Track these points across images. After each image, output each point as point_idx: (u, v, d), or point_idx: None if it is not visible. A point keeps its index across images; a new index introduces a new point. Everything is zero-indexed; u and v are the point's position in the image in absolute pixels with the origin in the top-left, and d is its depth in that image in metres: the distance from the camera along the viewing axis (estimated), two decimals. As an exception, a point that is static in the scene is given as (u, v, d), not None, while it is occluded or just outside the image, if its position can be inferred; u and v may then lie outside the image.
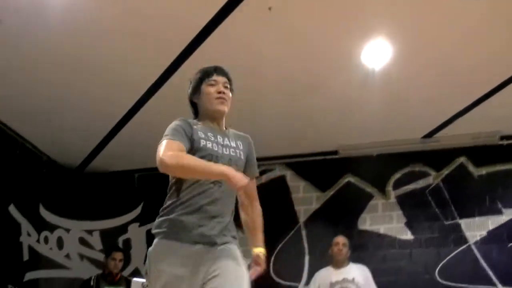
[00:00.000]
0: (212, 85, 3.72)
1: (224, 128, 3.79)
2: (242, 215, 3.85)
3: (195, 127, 3.63)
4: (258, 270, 3.68)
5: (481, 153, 8.52)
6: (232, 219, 3.63)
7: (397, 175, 8.77)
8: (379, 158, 8.80)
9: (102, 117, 7.85)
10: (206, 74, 3.77)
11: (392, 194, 8.72)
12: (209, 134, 3.62)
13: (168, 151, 3.54)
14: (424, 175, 8.69)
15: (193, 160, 3.44)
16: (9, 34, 6.12)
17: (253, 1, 5.64)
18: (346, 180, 8.90)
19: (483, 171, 8.51)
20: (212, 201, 3.51)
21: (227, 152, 3.62)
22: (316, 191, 8.97)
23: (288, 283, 8.54)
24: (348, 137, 8.58)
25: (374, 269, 7.65)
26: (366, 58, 6.61)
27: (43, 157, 9.00)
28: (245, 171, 3.64)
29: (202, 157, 3.47)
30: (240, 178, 3.21)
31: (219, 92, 3.70)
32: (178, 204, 3.68)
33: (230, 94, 3.76)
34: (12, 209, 8.30)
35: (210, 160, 3.47)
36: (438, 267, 8.20)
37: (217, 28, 6.02)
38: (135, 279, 6.78)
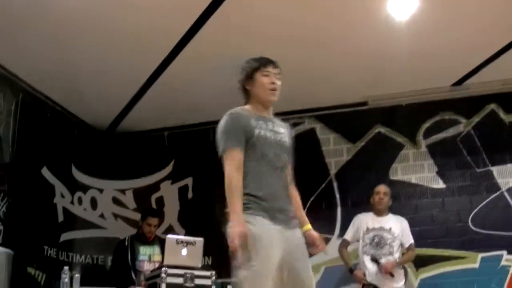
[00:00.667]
0: (266, 75, 4.10)
1: (271, 115, 4.21)
2: None
3: (246, 114, 4.05)
4: (321, 248, 4.24)
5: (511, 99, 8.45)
6: None
7: (427, 124, 8.71)
8: (409, 107, 8.75)
9: (130, 77, 7.87)
10: (261, 65, 4.12)
11: (423, 143, 8.67)
12: (260, 122, 4.03)
13: (233, 166, 3.95)
14: (454, 123, 8.63)
15: (232, 191, 3.83)
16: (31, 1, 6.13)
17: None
18: (376, 130, 8.87)
19: (514, 117, 8.45)
20: None
21: (278, 138, 4.07)
22: (347, 142, 8.95)
23: (321, 235, 8.56)
24: (377, 88, 8.53)
25: (407, 219, 7.66)
26: (392, 6, 6.54)
27: (73, 119, 9.06)
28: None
29: (257, 144, 3.96)
30: (233, 239, 3.58)
31: (273, 83, 4.09)
32: None
33: (279, 84, 4.13)
34: (45, 171, 8.37)
35: (263, 145, 3.98)
36: (471, 215, 8.19)
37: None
38: (169, 235, 6.84)
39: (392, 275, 7.11)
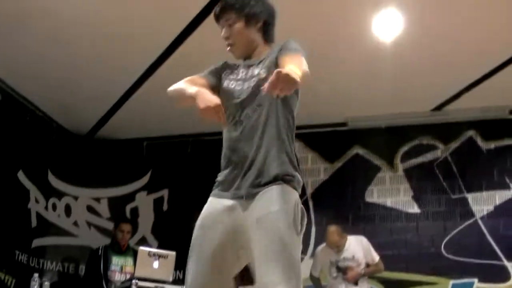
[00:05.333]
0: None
1: (263, 55, 3.31)
2: None
3: (232, 68, 3.37)
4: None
5: (490, 127, 8.51)
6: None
7: (405, 148, 8.76)
8: (388, 130, 8.79)
9: (112, 84, 7.86)
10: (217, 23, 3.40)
11: (400, 166, 8.72)
12: (241, 71, 3.31)
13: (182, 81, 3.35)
14: (432, 148, 8.68)
15: (176, 85, 3.33)
16: (21, 5, 6.10)
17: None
18: (354, 152, 8.90)
19: (492, 145, 8.50)
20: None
21: (243, 87, 3.20)
22: (324, 162, 8.97)
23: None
24: (357, 109, 8.56)
25: (380, 242, 7.69)
26: (377, 28, 6.58)
27: (52, 124, 9.01)
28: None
29: (222, 93, 3.23)
30: (201, 102, 2.98)
31: (225, 40, 3.35)
32: None
33: (237, 27, 3.29)
34: (20, 175, 8.31)
35: (227, 99, 3.19)
36: (445, 241, 8.22)
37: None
38: (141, 247, 6.83)
39: (356, 283, 7.14)
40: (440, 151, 8.63)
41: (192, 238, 3.09)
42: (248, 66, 3.29)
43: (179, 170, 9.12)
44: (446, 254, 8.15)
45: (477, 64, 7.33)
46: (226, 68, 3.39)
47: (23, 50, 7.01)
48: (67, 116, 8.93)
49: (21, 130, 8.27)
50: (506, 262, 7.95)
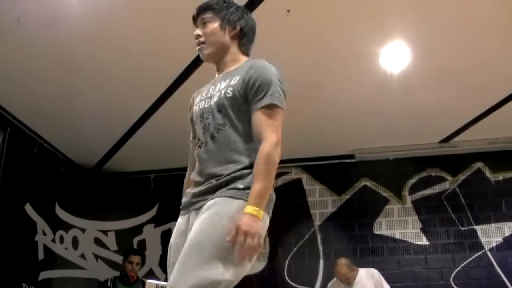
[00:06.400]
0: None
1: (236, 65, 3.13)
2: None
3: (199, 93, 3.24)
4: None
5: (498, 158, 8.50)
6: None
7: (413, 180, 8.74)
8: (396, 162, 8.78)
9: (119, 118, 7.87)
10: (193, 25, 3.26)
11: (408, 198, 8.69)
12: (204, 92, 3.17)
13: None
14: (440, 180, 8.66)
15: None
16: (27, 35, 6.13)
17: (271, 4, 5.62)
18: (362, 184, 8.88)
19: (500, 176, 8.48)
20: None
21: (211, 103, 3.04)
22: (332, 194, 8.95)
23: (302, 287, 8.51)
24: (365, 141, 8.56)
25: (389, 274, 7.64)
26: (384, 61, 6.59)
27: (60, 156, 9.02)
28: (248, 99, 2.94)
29: (192, 124, 3.17)
30: None
31: (195, 38, 3.20)
32: None
33: (211, 26, 3.15)
34: (28, 207, 8.31)
35: (195, 124, 3.12)
36: (453, 273, 8.17)
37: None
38: (149, 280, 6.78)
39: None
40: (449, 183, 8.61)
41: None
42: (218, 81, 3.14)
43: (187, 202, 9.09)
44: (455, 287, 8.10)
45: (485, 96, 7.33)
46: (194, 98, 3.29)
47: (31, 84, 7.04)
48: (74, 149, 8.94)
49: (28, 163, 8.27)
50: (515, 294, 7.91)
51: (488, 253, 8.20)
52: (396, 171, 8.76)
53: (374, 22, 5.98)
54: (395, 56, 6.52)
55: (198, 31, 3.17)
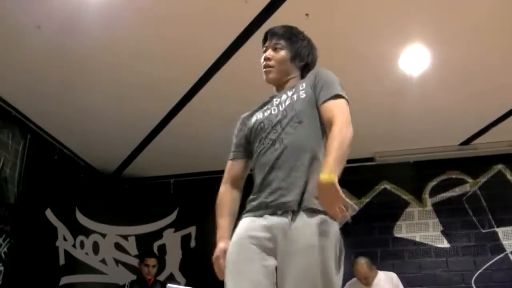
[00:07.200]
0: (264, 52, 3.45)
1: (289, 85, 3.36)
2: None
3: (253, 109, 3.43)
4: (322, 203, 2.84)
5: (519, 160, 8.46)
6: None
7: (433, 182, 8.72)
8: (416, 165, 8.75)
9: (138, 123, 7.89)
10: (262, 43, 3.50)
11: (429, 201, 8.66)
12: (265, 107, 3.33)
13: (222, 182, 3.44)
14: (461, 182, 8.63)
15: (217, 212, 3.34)
16: (47, 41, 6.16)
17: (291, 7, 5.62)
18: (382, 187, 8.85)
19: (521, 178, 8.46)
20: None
21: (279, 109, 3.22)
22: (352, 198, 8.92)
23: None
24: (385, 144, 8.54)
25: (410, 277, 7.63)
26: (404, 64, 6.57)
27: (80, 162, 9.06)
28: (316, 99, 3.17)
29: (252, 136, 3.29)
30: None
31: (264, 60, 3.41)
32: None
33: (282, 54, 3.38)
34: (48, 213, 8.36)
35: (260, 128, 3.24)
36: (475, 276, 8.13)
37: (252, 36, 6.02)
38: (169, 284, 6.80)
39: None
40: (469, 186, 8.58)
41: None
42: (281, 94, 3.31)
43: (207, 207, 9.05)
44: (477, 290, 8.08)
45: (505, 98, 7.30)
46: (245, 118, 3.46)
47: (50, 91, 7.07)
48: (94, 155, 8.98)
49: (49, 169, 8.31)
50: (537, 297, 7.87)
51: (510, 255, 8.16)
52: (416, 173, 8.74)
53: (393, 24, 5.97)
54: (414, 59, 6.50)
55: (269, 55, 3.38)
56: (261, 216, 3.00)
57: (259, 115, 3.30)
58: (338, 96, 3.17)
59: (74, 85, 6.99)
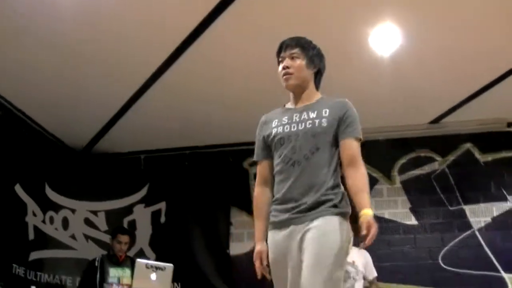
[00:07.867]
0: (280, 62, 3.85)
1: (314, 100, 3.85)
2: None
3: (274, 114, 3.88)
4: (366, 236, 3.34)
5: (488, 139, 8.53)
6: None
7: (402, 160, 8.78)
8: (385, 143, 8.79)
9: (109, 98, 7.85)
10: (277, 53, 3.90)
11: (397, 179, 8.73)
12: (284, 118, 3.77)
13: (256, 184, 3.90)
14: (429, 160, 8.70)
15: (254, 212, 3.82)
16: (20, 22, 6.11)
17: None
18: (352, 164, 8.87)
19: (489, 157, 8.53)
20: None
21: (299, 128, 3.67)
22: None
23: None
24: (354, 122, 8.55)
25: (379, 254, 7.67)
26: (374, 43, 6.58)
27: (50, 138, 8.99)
28: (337, 134, 3.69)
29: (275, 145, 3.71)
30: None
31: (283, 69, 3.79)
32: None
33: (299, 62, 3.80)
34: (18, 188, 8.29)
35: (278, 143, 3.69)
36: (442, 253, 8.23)
37: (221, 14, 6.02)
38: (139, 259, 6.80)
39: None
40: (438, 164, 8.65)
41: None
42: (301, 111, 3.76)
43: (177, 183, 9.10)
44: (443, 266, 8.16)
45: (475, 77, 7.35)
46: (267, 122, 3.89)
47: (20, 65, 7.01)
48: (64, 130, 8.92)
49: (18, 144, 8.24)
50: (503, 274, 7.97)
51: (477, 232, 8.26)
52: (386, 151, 8.78)
53: (363, 3, 5.97)
54: (385, 38, 6.50)
55: (287, 63, 3.78)
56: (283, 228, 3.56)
57: (279, 129, 3.72)
58: (359, 139, 3.75)
59: (44, 61, 6.93)
